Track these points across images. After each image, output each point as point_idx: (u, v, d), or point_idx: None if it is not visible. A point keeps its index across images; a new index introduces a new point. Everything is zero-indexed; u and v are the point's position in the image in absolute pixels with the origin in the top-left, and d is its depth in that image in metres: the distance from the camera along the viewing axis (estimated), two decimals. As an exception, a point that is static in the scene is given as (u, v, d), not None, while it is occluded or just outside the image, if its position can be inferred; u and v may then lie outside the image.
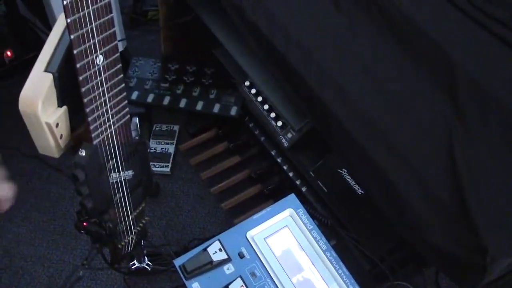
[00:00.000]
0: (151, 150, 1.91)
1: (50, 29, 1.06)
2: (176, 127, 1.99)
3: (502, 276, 1.10)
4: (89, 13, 0.81)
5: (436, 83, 1.17)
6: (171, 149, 1.93)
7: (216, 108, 1.80)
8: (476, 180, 1.05)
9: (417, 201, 1.09)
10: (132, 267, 1.56)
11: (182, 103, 1.82)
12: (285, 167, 1.66)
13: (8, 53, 1.99)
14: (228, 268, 1.11)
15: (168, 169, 1.88)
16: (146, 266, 1.57)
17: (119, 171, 1.09)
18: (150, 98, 1.84)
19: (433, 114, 1.15)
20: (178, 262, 1.11)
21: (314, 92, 1.25)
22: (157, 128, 1.98)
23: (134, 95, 1.83)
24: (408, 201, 1.10)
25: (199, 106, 1.81)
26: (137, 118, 1.94)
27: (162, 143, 1.94)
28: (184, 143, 1.92)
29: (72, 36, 0.81)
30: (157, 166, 1.88)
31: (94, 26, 0.84)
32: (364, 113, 1.19)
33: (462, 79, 1.14)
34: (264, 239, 1.15)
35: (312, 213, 1.53)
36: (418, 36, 1.23)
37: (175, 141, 1.95)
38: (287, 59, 1.30)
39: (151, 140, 1.94)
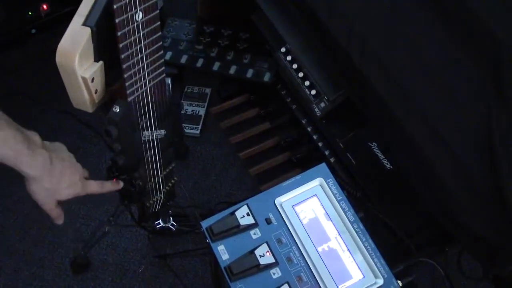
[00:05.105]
0: (182, 112, 1.90)
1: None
2: (208, 90, 1.98)
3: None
4: (131, -33, 0.81)
5: (479, 60, 1.14)
6: (201, 111, 1.92)
7: (250, 73, 1.79)
8: None
9: (451, 179, 1.07)
10: (157, 227, 1.57)
11: (216, 66, 1.81)
12: (315, 137, 1.65)
13: (44, 6, 1.99)
14: (255, 233, 1.11)
15: (198, 132, 1.88)
16: (171, 226, 1.58)
17: (151, 129, 1.09)
18: (183, 59, 1.83)
19: (473, 92, 1.12)
20: (205, 224, 1.11)
21: (354, 63, 1.23)
22: (188, 90, 1.97)
23: (168, 56, 1.83)
24: (441, 178, 1.08)
25: (232, 70, 1.80)
26: (169, 79, 1.95)
27: (193, 105, 1.93)
28: (215, 106, 1.92)
29: (113, -10, 0.81)
30: (187, 127, 1.87)
31: (135, -20, 0.83)
32: (404, 87, 1.17)
33: (506, 57, 1.11)
34: (292, 206, 1.15)
35: (342, 184, 1.52)
36: (463, 11, 1.19)
37: (206, 104, 1.94)
38: (329, 28, 1.28)
39: (182, 102, 1.93)
